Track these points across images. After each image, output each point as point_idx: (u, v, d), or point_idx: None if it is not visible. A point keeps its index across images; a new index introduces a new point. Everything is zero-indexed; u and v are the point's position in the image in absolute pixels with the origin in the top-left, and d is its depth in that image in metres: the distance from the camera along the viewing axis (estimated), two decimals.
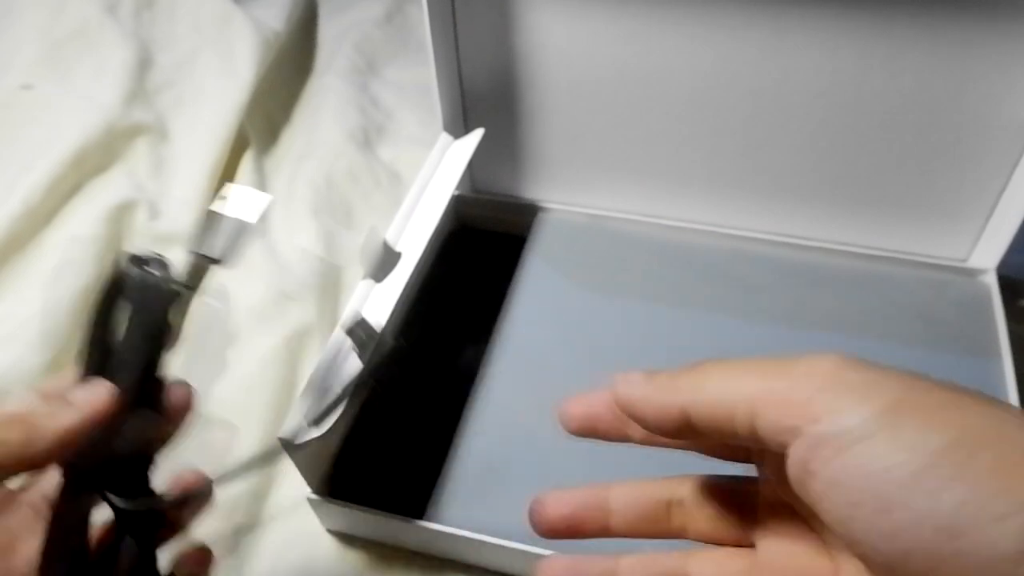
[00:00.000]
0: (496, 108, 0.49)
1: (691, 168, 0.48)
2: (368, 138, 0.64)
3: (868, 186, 0.46)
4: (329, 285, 0.52)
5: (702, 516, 0.24)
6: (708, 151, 0.47)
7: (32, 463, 0.24)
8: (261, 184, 0.59)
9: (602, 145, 0.49)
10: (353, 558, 0.40)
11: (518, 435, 0.40)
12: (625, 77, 0.45)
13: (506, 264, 0.50)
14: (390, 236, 0.44)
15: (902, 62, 0.41)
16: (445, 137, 0.50)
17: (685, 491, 0.24)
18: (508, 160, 0.52)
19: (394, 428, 0.43)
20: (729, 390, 0.19)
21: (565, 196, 0.52)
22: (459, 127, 0.50)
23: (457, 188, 0.53)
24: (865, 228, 0.48)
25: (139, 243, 0.53)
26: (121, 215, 0.53)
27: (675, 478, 0.24)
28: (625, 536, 0.23)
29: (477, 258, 0.52)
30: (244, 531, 0.41)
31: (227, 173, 0.59)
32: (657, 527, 0.24)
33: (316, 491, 0.38)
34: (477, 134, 0.47)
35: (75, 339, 0.46)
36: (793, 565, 0.22)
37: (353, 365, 0.38)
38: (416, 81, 0.70)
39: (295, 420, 0.35)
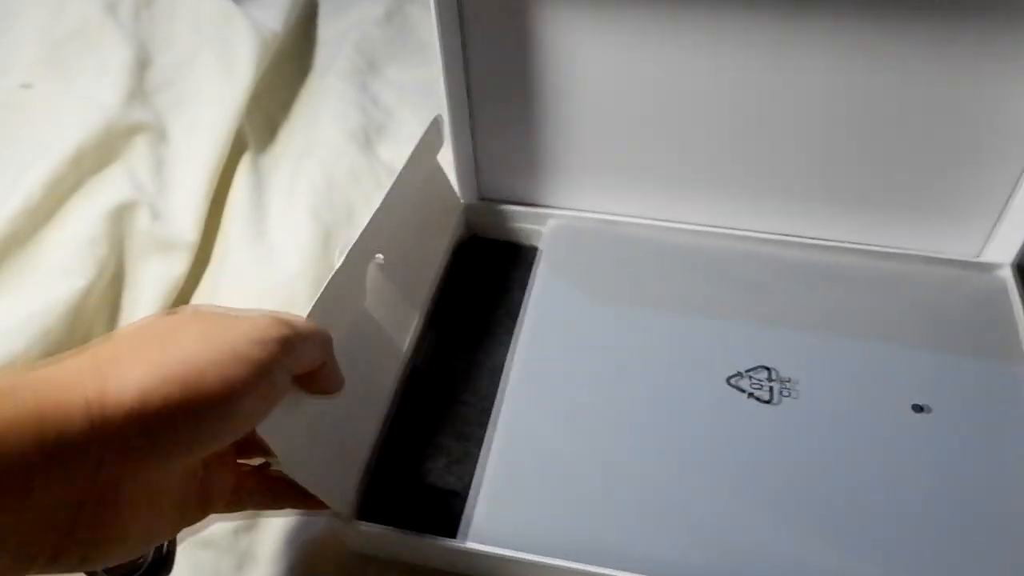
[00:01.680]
0: (503, 113, 0.48)
1: (702, 170, 0.48)
2: (368, 138, 0.63)
3: (880, 183, 0.46)
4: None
5: None
6: (720, 152, 0.47)
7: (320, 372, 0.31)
8: (260, 184, 0.59)
9: (612, 149, 0.48)
10: None
11: (544, 448, 0.39)
12: (634, 80, 0.45)
13: (518, 271, 0.49)
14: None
15: (913, 61, 0.40)
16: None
17: None
18: (516, 166, 0.51)
19: (416, 445, 0.41)
20: None
21: (575, 201, 0.52)
22: (466, 132, 0.50)
23: (466, 197, 0.52)
24: (878, 226, 0.48)
25: (139, 244, 0.52)
26: (121, 215, 0.52)
27: None
28: None
29: (489, 267, 0.51)
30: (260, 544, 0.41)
31: (227, 173, 0.59)
32: None
33: (342, 513, 0.37)
34: (435, 124, 0.46)
35: (73, 338, 0.46)
36: None
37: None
38: (417, 81, 0.70)
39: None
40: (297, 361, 0.29)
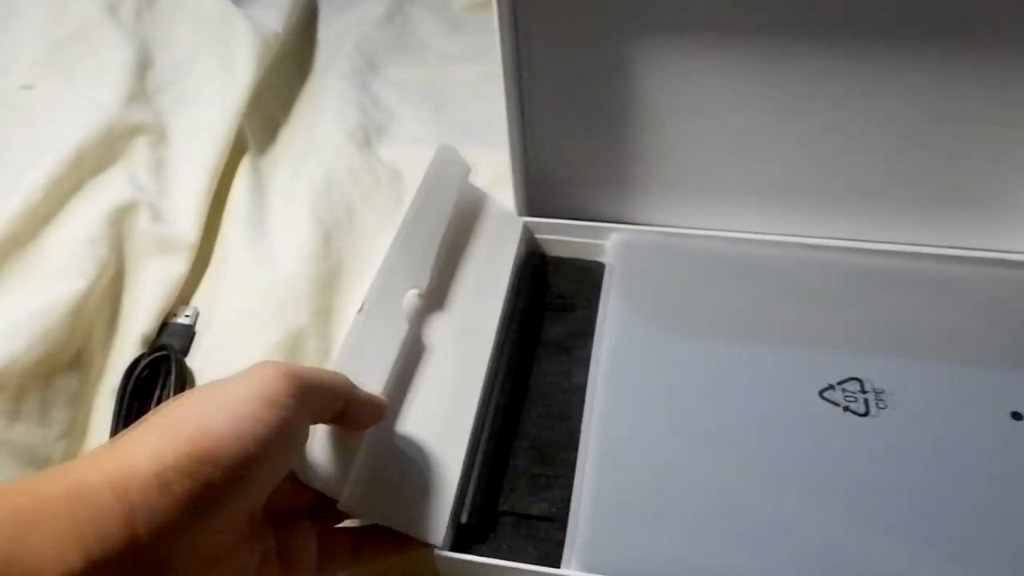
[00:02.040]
0: (562, 125, 0.47)
1: (771, 178, 0.47)
2: (368, 138, 0.63)
3: (950, 184, 0.45)
4: (326, 285, 0.52)
5: None
6: (788, 159, 0.46)
7: (356, 417, 0.32)
8: (260, 185, 0.59)
9: (676, 160, 0.47)
10: None
11: (641, 471, 0.38)
12: (699, 88, 0.44)
13: (583, 288, 0.48)
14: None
15: (978, 61, 0.40)
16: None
17: None
18: (576, 180, 0.50)
19: (499, 472, 0.40)
20: None
21: (636, 215, 0.50)
22: (521, 145, 0.48)
23: (525, 214, 0.51)
24: (947, 227, 0.47)
25: (140, 244, 0.52)
26: (121, 216, 0.53)
27: None
28: None
29: (553, 284, 0.50)
30: None
31: (227, 174, 0.59)
32: None
33: (441, 545, 0.35)
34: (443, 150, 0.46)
35: (73, 338, 0.46)
36: None
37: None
38: (417, 81, 0.70)
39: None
40: (311, 401, 0.29)
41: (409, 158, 0.62)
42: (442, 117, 0.66)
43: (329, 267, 0.53)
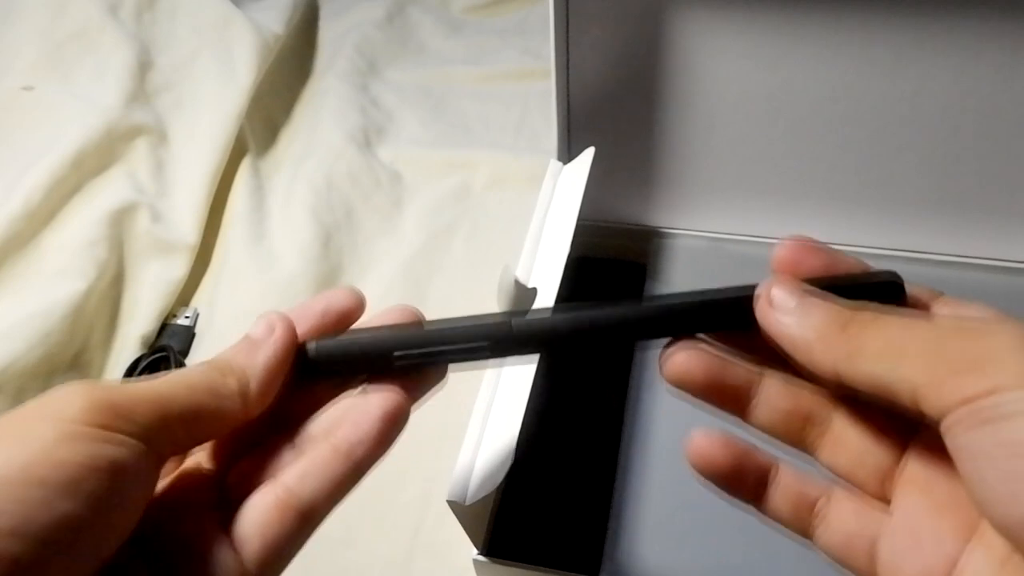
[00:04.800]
0: (607, 127, 0.46)
1: (819, 185, 0.46)
2: (368, 139, 0.64)
3: (1012, 193, 0.44)
4: (326, 286, 0.52)
5: (842, 449, 0.23)
6: (837, 166, 0.45)
7: (248, 411, 0.21)
8: (260, 186, 0.59)
9: (720, 164, 0.47)
10: None
11: (681, 474, 0.38)
12: (745, 92, 0.43)
13: (626, 292, 0.48)
14: (520, 274, 0.41)
15: None
16: (555, 164, 0.47)
17: (834, 415, 0.23)
18: (622, 183, 0.49)
19: (538, 477, 0.40)
20: (888, 370, 0.18)
21: (685, 220, 0.50)
22: (564, 146, 0.48)
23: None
24: (1006, 238, 0.46)
25: (140, 246, 0.53)
26: (121, 217, 0.53)
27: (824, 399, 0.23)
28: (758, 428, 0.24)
29: (600, 289, 0.50)
30: None
31: (227, 175, 0.59)
32: (790, 436, 0.24)
33: (482, 551, 0.35)
34: (588, 154, 0.44)
35: (73, 339, 0.46)
36: (927, 537, 0.20)
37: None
38: (416, 82, 0.70)
39: (459, 481, 0.33)
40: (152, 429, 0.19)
41: (408, 160, 0.62)
42: (442, 118, 0.66)
43: (329, 268, 0.53)
